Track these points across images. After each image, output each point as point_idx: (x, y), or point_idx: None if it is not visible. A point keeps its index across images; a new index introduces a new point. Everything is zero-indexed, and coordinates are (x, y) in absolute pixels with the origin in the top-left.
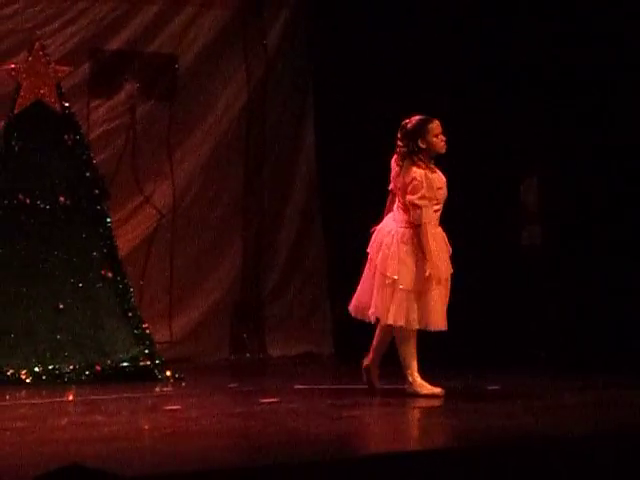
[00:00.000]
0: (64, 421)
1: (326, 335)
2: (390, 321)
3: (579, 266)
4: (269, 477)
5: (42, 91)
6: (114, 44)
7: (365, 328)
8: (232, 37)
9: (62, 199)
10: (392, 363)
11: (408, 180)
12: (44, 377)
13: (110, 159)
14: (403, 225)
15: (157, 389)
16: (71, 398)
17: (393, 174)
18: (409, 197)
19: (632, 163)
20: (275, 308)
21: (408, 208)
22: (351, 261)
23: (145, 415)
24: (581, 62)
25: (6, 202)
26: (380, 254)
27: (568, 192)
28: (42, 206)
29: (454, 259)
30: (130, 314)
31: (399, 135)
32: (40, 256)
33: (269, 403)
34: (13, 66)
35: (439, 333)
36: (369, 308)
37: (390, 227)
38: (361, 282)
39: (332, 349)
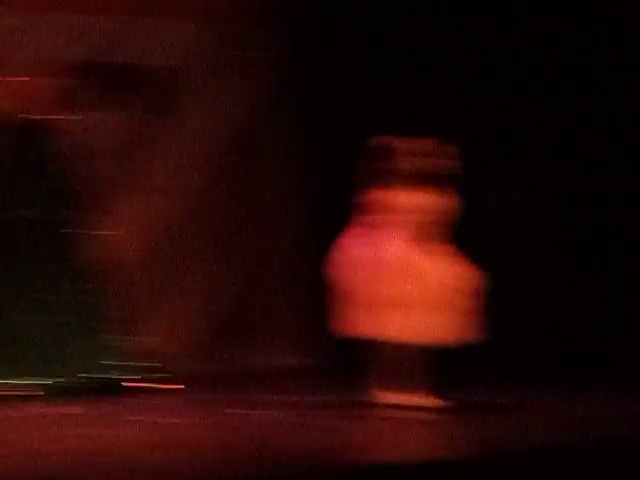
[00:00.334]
0: (30, 435)
1: (320, 347)
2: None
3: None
4: None
5: (36, 104)
6: (114, 58)
7: (346, 340)
8: (232, 53)
9: (44, 209)
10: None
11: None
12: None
13: (102, 171)
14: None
15: (132, 400)
16: (47, 410)
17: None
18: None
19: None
20: (268, 318)
21: None
22: None
23: (118, 427)
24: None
25: None
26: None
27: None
28: (23, 216)
29: None
30: (104, 325)
31: (366, 156)
32: (22, 269)
33: (248, 414)
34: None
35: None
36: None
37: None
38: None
39: (326, 361)
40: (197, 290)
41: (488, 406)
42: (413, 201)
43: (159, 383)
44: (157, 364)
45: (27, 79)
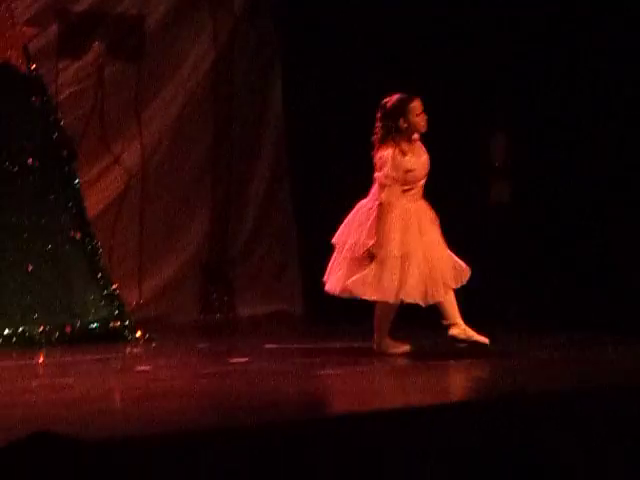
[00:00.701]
0: (34, 383)
1: (296, 294)
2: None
3: (548, 224)
4: (240, 438)
5: (9, 53)
6: (82, 5)
7: None
8: None
9: (30, 161)
10: (362, 321)
11: (377, 158)
12: (14, 339)
13: (78, 120)
14: (376, 201)
15: (127, 350)
16: (41, 360)
17: (374, 153)
18: (375, 174)
19: (603, 118)
20: (244, 267)
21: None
22: (320, 220)
23: (115, 376)
24: (554, 16)
25: None
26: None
27: (537, 149)
28: (10, 168)
29: None
30: (99, 275)
31: (378, 115)
32: (7, 218)
33: (239, 363)
34: None
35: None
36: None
37: (368, 203)
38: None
39: (302, 308)
40: (173, 239)
41: (477, 353)
42: (420, 161)
43: (136, 332)
44: (133, 313)
45: (0, 26)
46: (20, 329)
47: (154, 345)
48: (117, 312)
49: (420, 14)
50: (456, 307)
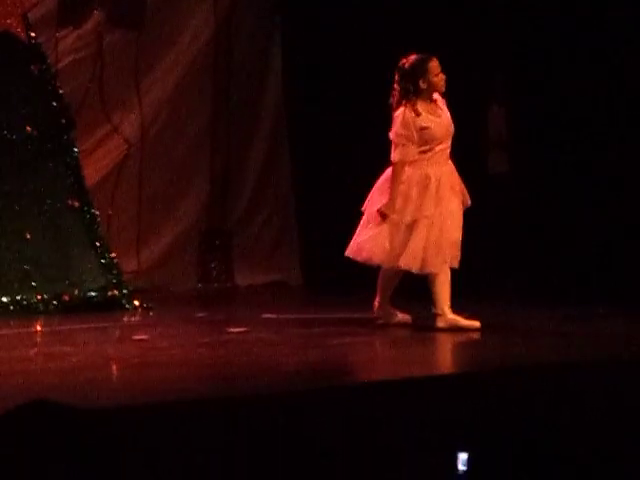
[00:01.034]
0: (32, 352)
1: (294, 264)
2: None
3: (548, 193)
4: (239, 407)
5: (8, 21)
6: None
7: (334, 258)
8: None
9: (28, 129)
10: (360, 292)
11: (393, 118)
12: (11, 307)
13: (78, 89)
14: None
15: (125, 319)
16: (39, 328)
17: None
18: (389, 133)
19: (601, 89)
20: (243, 237)
21: None
22: (319, 189)
23: (113, 345)
24: None
25: None
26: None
27: (535, 118)
28: (8, 136)
29: None
30: (97, 244)
31: (396, 77)
32: (6, 187)
33: (238, 332)
34: None
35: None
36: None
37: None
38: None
39: (301, 278)
40: (171, 208)
41: (488, 324)
42: (438, 119)
43: (134, 301)
44: (131, 282)
45: None
46: (18, 297)
47: (152, 314)
48: (115, 281)
49: None
50: (448, 292)
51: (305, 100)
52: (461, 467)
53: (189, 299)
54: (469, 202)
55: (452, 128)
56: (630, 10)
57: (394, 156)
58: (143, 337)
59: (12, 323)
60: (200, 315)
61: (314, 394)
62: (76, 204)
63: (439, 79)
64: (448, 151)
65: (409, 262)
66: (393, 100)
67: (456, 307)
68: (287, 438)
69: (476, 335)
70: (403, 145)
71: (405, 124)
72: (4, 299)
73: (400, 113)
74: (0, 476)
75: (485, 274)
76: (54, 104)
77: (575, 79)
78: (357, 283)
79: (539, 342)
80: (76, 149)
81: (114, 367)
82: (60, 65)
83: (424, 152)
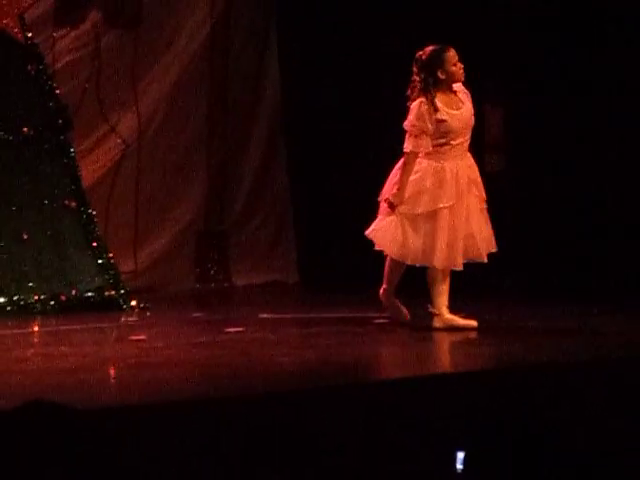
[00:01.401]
0: (29, 352)
1: (291, 264)
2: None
3: (544, 192)
4: (236, 407)
5: (5, 21)
6: None
7: (330, 257)
8: None
9: (25, 130)
10: (357, 291)
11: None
12: (9, 308)
13: (75, 89)
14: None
15: (122, 319)
16: (36, 329)
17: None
18: (404, 123)
19: (598, 89)
20: (240, 237)
21: None
22: (316, 189)
23: (110, 345)
24: None
25: None
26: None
27: (532, 118)
28: (5, 137)
29: None
30: (95, 244)
31: (415, 69)
32: (3, 187)
33: (235, 332)
34: None
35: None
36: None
37: None
38: None
39: (297, 278)
40: (168, 208)
41: (486, 323)
42: (456, 113)
43: (131, 301)
44: (128, 282)
45: None
46: (15, 298)
47: (149, 314)
48: (112, 281)
49: None
50: (447, 292)
51: (302, 101)
52: (459, 466)
53: (186, 299)
54: (484, 196)
55: (472, 121)
56: (630, 10)
57: (407, 146)
58: (140, 337)
59: (9, 323)
60: (197, 315)
61: (311, 394)
62: (73, 204)
63: (457, 68)
64: (466, 144)
65: (442, 262)
66: (411, 91)
67: (453, 307)
68: (284, 438)
69: (473, 334)
70: (416, 136)
71: (420, 116)
72: (1, 299)
73: (416, 104)
74: None
75: (482, 273)
76: (51, 104)
77: (575, 79)
78: (354, 283)
79: (536, 341)
80: (73, 149)
81: (111, 367)
82: (57, 65)
83: (440, 145)
